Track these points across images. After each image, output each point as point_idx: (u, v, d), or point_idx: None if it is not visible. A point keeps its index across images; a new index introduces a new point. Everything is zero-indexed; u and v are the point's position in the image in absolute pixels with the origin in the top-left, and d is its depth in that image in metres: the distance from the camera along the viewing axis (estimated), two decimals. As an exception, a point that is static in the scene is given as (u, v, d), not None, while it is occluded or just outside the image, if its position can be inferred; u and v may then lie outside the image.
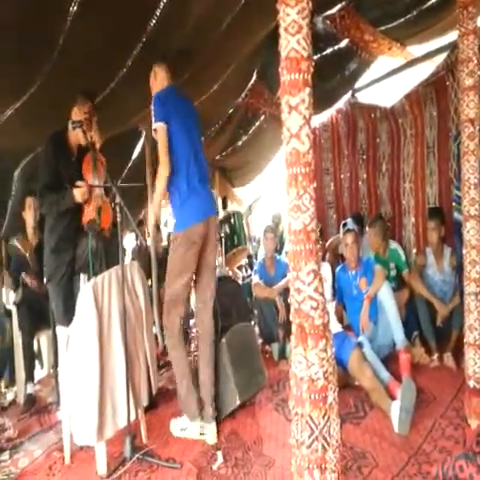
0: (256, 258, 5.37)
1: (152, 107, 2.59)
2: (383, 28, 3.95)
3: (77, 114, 2.93)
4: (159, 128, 2.58)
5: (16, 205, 4.06)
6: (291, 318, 1.34)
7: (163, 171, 2.57)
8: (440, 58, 4.15)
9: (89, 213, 2.93)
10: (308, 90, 1.30)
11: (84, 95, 2.94)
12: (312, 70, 1.31)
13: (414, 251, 4.49)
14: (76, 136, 2.96)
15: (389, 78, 4.81)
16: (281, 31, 1.31)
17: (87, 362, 2.38)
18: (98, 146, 3.00)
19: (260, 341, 4.08)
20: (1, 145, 3.36)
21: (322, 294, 1.30)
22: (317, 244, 1.31)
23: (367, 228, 4.22)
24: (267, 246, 4.31)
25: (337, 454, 1.29)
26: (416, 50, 4.48)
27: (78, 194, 2.82)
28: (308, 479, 1.26)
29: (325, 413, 1.26)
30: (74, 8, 2.29)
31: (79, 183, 2.83)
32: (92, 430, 2.37)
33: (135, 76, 3.00)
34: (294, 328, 1.31)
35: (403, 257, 4.21)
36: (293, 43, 1.29)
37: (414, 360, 3.35)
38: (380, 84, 5.00)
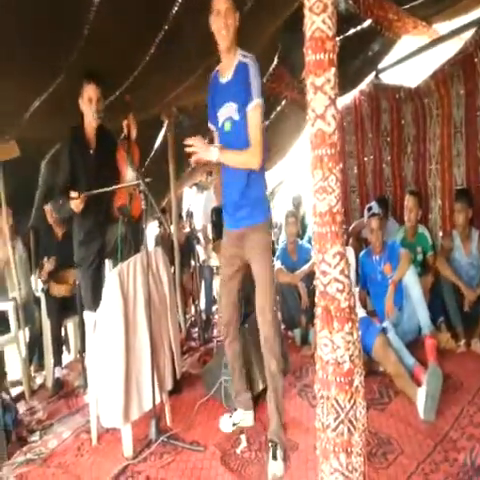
0: (277, 244, 5.34)
1: (254, 77, 2.21)
2: (407, 6, 3.81)
3: (84, 101, 2.86)
4: (260, 104, 2.23)
5: (42, 196, 4.13)
6: (316, 301, 1.32)
7: (260, 150, 2.24)
8: (468, 35, 4.00)
9: (121, 198, 2.96)
10: (333, 70, 1.27)
11: (86, 78, 2.82)
12: (337, 50, 1.27)
13: (440, 234, 4.39)
14: (92, 128, 2.92)
15: (414, 58, 4.66)
16: (306, 11, 1.27)
17: (113, 346, 2.42)
18: (134, 134, 2.97)
19: (282, 327, 4.07)
20: (29, 136, 3.39)
21: (348, 276, 1.28)
22: (342, 226, 1.29)
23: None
24: (289, 231, 4.27)
25: (363, 438, 1.28)
26: (442, 27, 4.31)
27: (73, 205, 2.75)
28: (334, 462, 1.26)
29: (351, 396, 1.25)
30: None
31: (73, 194, 2.73)
32: (118, 412, 2.42)
33: (157, 64, 2.98)
34: (319, 311, 1.30)
35: (430, 241, 4.14)
36: (318, 22, 1.26)
37: (440, 346, 3.29)
38: (405, 64, 4.86)
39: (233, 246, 2.45)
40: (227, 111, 2.31)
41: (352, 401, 1.26)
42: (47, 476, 2.45)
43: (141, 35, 2.79)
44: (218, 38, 2.24)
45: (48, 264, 3.78)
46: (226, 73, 2.31)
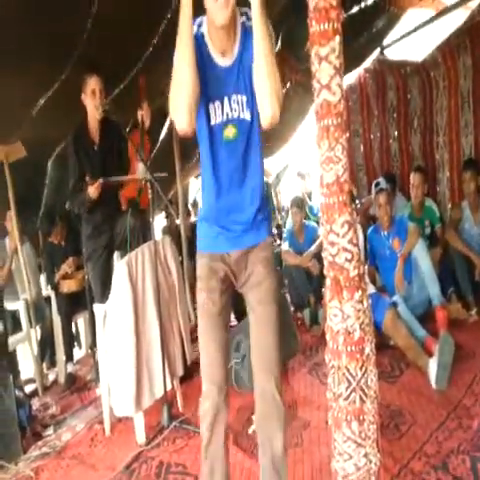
0: (285, 227, 5.33)
1: None
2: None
3: (87, 94, 2.80)
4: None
5: (50, 194, 4.13)
6: (325, 272, 1.32)
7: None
8: (475, 3, 3.90)
9: (130, 191, 2.94)
10: (338, 39, 1.25)
11: (88, 70, 2.77)
12: (342, 19, 1.25)
13: (449, 206, 4.35)
14: (96, 122, 2.88)
15: (419, 31, 4.57)
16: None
17: (123, 335, 2.44)
18: (147, 125, 2.91)
19: (291, 308, 4.09)
20: (35, 135, 3.37)
21: (356, 245, 1.28)
22: (350, 195, 1.28)
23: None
24: (294, 218, 4.34)
25: (375, 405, 1.29)
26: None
27: (91, 191, 2.77)
28: (346, 431, 1.27)
29: (362, 364, 1.26)
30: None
31: (88, 180, 2.76)
32: (130, 401, 2.44)
33: (161, 54, 2.94)
34: (328, 282, 1.30)
35: (437, 213, 4.12)
36: (322, -8, 1.23)
37: (451, 316, 3.29)
38: (410, 38, 4.76)
39: (221, 273, 1.63)
40: (232, 109, 1.52)
41: (363, 369, 1.27)
42: (62, 467, 2.50)
43: (145, 25, 2.74)
44: (213, 11, 1.40)
45: (66, 266, 3.81)
46: (228, 49, 1.48)
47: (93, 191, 2.75)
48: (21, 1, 2.06)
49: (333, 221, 1.27)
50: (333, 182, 1.26)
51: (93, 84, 2.78)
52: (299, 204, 4.38)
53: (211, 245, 1.63)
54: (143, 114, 2.85)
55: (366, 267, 3.86)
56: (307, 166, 6.00)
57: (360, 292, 1.28)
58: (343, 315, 1.26)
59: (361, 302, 1.28)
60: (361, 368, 1.26)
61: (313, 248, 4.01)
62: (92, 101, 2.81)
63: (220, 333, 1.61)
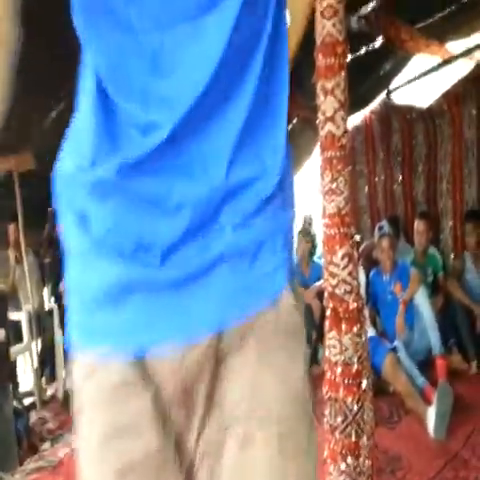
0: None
1: None
2: (421, 25, 3.84)
3: None
4: None
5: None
6: (325, 303, 1.33)
7: None
8: (480, 54, 4.06)
9: None
10: (343, 74, 1.30)
11: None
12: (347, 54, 1.31)
13: (452, 256, 4.36)
14: None
15: (426, 77, 4.70)
16: (317, 16, 1.31)
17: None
18: None
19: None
20: (43, 149, 3.47)
21: (356, 278, 1.29)
22: (351, 228, 1.30)
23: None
24: (301, 250, 4.30)
25: (371, 441, 1.26)
26: (455, 46, 4.35)
27: None
28: (342, 465, 1.24)
29: (359, 399, 1.24)
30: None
31: None
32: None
33: None
34: (328, 312, 1.30)
35: (440, 262, 4.11)
36: (329, 27, 1.30)
37: (451, 367, 3.24)
38: (416, 84, 4.91)
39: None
40: None
41: (360, 403, 1.25)
42: None
43: None
44: None
45: None
46: None
47: None
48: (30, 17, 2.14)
49: (334, 252, 1.29)
50: (334, 213, 1.29)
51: None
52: (305, 233, 4.39)
53: (111, 331, 0.63)
54: None
55: (367, 308, 3.84)
56: (311, 206, 6.06)
57: (359, 325, 1.28)
58: (341, 347, 1.25)
59: (359, 336, 1.28)
60: (357, 402, 1.24)
61: (318, 284, 3.98)
62: None
63: None
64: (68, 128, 0.74)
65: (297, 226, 5.21)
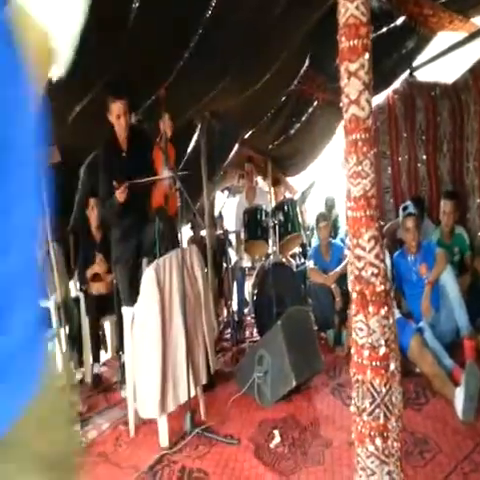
0: (310, 246, 5.30)
1: None
2: (443, 0, 3.72)
3: (112, 117, 2.94)
4: None
5: (82, 199, 4.29)
6: (350, 286, 1.32)
7: None
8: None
9: (157, 200, 3.04)
10: (367, 55, 1.28)
11: (112, 96, 2.89)
12: (371, 35, 1.28)
13: (479, 235, 4.26)
14: (124, 132, 3.01)
15: (450, 53, 4.55)
16: (339, -2, 1.29)
17: (150, 338, 2.48)
18: (169, 134, 3.05)
19: (315, 328, 4.05)
20: (69, 143, 3.52)
21: (383, 261, 1.28)
22: (377, 210, 1.29)
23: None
24: (321, 234, 4.28)
25: (400, 423, 1.27)
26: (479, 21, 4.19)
27: (118, 195, 2.87)
28: (370, 446, 1.25)
29: (387, 381, 1.24)
30: (135, 4, 2.38)
31: (116, 184, 2.87)
32: (155, 403, 2.48)
33: (191, 69, 3.04)
34: (354, 295, 1.30)
35: (467, 241, 4.04)
36: (352, 9, 1.27)
37: (479, 347, 3.20)
38: (441, 60, 4.76)
39: None
40: None
41: (388, 386, 1.25)
42: (88, 464, 2.53)
43: (175, 41, 2.86)
44: None
45: (97, 265, 3.91)
46: None
47: (120, 194, 2.85)
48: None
49: (360, 235, 1.28)
50: (360, 196, 1.27)
51: (117, 110, 2.93)
52: (326, 217, 4.37)
53: None
54: (164, 124, 2.99)
55: (392, 289, 3.81)
56: (333, 185, 6.01)
57: (386, 308, 1.27)
58: (368, 330, 1.25)
59: (387, 318, 1.27)
60: (385, 385, 1.24)
61: (339, 269, 3.99)
62: (117, 124, 2.97)
63: None
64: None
65: (318, 209, 5.18)
